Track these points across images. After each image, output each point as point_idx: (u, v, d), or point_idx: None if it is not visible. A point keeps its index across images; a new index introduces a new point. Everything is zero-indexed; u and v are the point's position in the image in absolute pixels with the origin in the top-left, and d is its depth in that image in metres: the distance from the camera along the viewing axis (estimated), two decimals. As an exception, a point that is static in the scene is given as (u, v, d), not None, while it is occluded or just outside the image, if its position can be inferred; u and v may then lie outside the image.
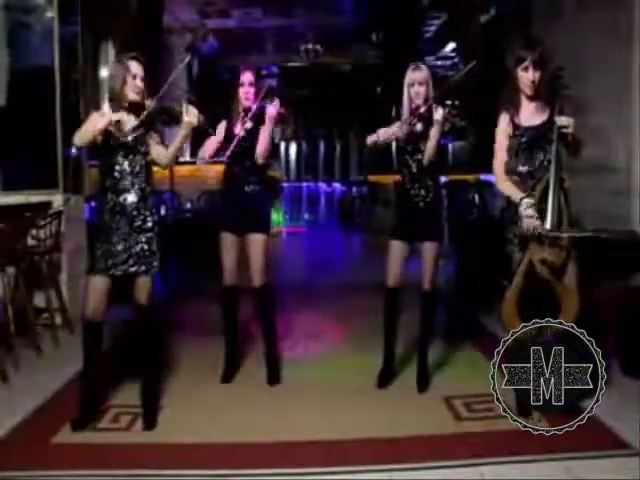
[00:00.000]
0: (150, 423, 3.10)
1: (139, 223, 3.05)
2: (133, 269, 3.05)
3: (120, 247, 3.03)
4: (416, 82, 3.45)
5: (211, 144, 3.70)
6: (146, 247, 3.07)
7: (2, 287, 4.07)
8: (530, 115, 3.16)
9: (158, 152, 3.12)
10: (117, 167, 3.04)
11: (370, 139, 3.53)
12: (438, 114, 3.33)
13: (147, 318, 3.16)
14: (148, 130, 3.08)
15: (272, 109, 3.56)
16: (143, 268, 3.06)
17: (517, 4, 7.90)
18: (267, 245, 3.69)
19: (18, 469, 2.70)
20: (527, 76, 3.08)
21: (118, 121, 2.99)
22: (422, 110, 3.41)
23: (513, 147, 3.16)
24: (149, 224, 3.08)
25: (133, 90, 3.04)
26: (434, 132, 3.36)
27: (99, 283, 3.05)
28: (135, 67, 3.06)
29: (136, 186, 3.06)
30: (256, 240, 3.64)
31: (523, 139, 3.13)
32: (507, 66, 3.15)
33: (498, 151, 3.21)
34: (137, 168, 3.06)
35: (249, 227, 3.64)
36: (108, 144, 3.03)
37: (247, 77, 3.69)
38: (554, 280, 3.05)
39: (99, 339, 3.13)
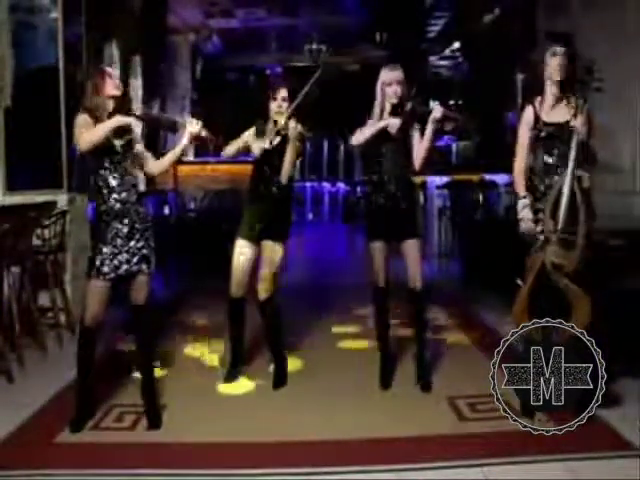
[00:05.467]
0: (155, 423, 3.10)
1: (138, 223, 3.09)
2: (135, 268, 3.08)
3: (123, 248, 3.05)
4: (394, 81, 3.47)
5: (234, 146, 3.69)
6: (146, 246, 3.11)
7: (7, 286, 4.08)
8: (553, 112, 3.14)
9: (150, 161, 3.27)
10: (114, 169, 3.07)
11: (356, 139, 3.50)
12: (437, 111, 3.35)
13: (144, 318, 3.19)
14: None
15: (293, 129, 3.48)
16: (144, 267, 3.10)
17: (522, 4, 7.89)
18: (282, 253, 3.63)
19: (22, 468, 2.71)
20: (555, 60, 3.07)
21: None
22: (409, 107, 3.42)
23: (532, 141, 3.16)
24: (147, 223, 3.14)
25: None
26: (428, 131, 3.40)
27: (102, 287, 3.04)
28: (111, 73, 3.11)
29: (133, 187, 3.11)
30: (270, 246, 3.59)
31: (542, 134, 3.13)
32: (533, 60, 3.14)
33: (519, 146, 3.21)
34: (131, 170, 3.11)
35: (266, 234, 3.59)
36: (105, 148, 3.05)
37: (281, 93, 3.61)
38: (564, 283, 3.02)
39: (94, 344, 3.13)
